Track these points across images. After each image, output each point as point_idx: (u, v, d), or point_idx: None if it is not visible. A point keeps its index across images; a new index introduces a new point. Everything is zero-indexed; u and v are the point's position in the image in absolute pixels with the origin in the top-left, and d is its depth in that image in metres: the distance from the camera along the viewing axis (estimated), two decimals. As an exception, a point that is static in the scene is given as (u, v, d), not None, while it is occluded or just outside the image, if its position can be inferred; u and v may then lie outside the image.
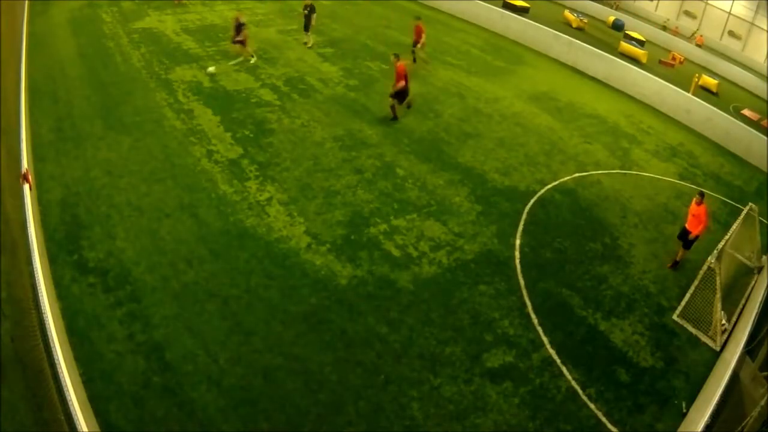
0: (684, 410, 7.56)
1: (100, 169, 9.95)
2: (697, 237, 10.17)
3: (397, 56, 13.44)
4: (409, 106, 14.57)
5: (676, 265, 10.54)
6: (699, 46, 39.08)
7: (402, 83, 13.38)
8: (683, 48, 37.78)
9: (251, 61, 15.88)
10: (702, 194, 10.20)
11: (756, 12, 39.95)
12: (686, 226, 10.30)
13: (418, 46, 17.65)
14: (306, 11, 17.64)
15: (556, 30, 23.53)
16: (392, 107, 13.95)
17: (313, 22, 17.79)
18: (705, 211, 10.09)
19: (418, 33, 17.55)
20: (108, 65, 14.17)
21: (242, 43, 15.55)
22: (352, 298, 8.22)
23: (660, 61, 31.72)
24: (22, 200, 7.27)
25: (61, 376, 4.92)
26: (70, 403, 4.70)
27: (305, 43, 18.05)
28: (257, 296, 7.87)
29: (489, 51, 21.91)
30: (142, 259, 8.09)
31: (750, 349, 7.93)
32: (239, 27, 15.27)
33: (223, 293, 7.80)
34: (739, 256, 11.14)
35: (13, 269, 6.64)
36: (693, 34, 41.61)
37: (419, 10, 26.00)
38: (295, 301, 7.92)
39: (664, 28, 41.74)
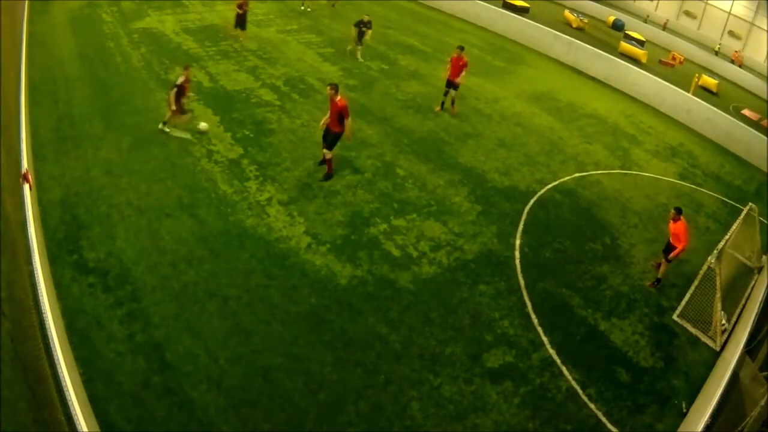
0: (684, 410, 7.57)
1: (100, 169, 9.94)
2: (671, 250, 9.52)
3: (334, 88, 10.03)
4: (328, 177, 10.74)
5: (658, 282, 9.93)
6: (740, 66, 37.74)
7: (346, 125, 10.23)
8: (736, 73, 35.83)
9: (186, 134, 11.36)
10: (678, 210, 9.44)
11: (756, 12, 39.98)
12: (670, 240, 9.71)
13: (458, 83, 14.15)
14: (364, 28, 17.05)
15: (556, 30, 23.58)
16: (329, 161, 10.66)
17: (367, 38, 17.36)
18: (684, 229, 9.36)
19: (457, 68, 13.88)
20: (108, 65, 14.16)
21: (182, 110, 11.18)
22: (352, 298, 8.22)
23: (660, 61, 31.75)
24: (22, 200, 7.25)
25: (61, 376, 4.90)
26: (70, 403, 4.69)
27: (357, 57, 17.60)
28: (257, 296, 7.87)
29: (489, 51, 21.93)
30: (142, 259, 8.09)
31: (750, 349, 7.93)
32: (183, 88, 10.89)
33: (223, 293, 7.80)
34: (739, 256, 11.15)
35: (13, 269, 6.63)
36: (737, 53, 40.05)
37: (419, 10, 26.07)
38: (295, 301, 7.92)
39: (719, 54, 39.24)
